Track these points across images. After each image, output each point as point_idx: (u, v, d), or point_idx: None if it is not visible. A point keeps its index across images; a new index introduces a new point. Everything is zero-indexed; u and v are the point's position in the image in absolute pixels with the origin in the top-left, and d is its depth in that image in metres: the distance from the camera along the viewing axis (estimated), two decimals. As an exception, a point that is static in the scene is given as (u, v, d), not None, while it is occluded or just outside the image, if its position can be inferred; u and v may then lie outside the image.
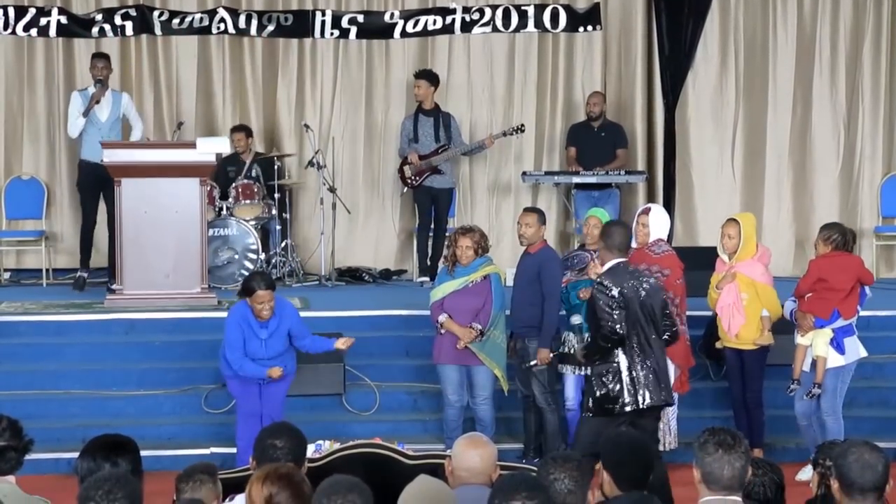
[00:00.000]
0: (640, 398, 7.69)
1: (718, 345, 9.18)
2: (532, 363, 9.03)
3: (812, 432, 8.81)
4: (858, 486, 4.66)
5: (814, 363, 8.75)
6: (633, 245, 9.19)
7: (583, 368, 9.26)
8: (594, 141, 12.93)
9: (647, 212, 9.22)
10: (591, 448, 7.17)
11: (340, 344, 8.93)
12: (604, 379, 7.73)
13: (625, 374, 7.69)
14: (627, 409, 7.67)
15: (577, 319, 8.93)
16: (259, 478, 4.32)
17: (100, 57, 12.10)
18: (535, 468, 4.99)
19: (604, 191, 12.76)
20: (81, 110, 11.69)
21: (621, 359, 7.71)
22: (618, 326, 7.66)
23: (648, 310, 7.80)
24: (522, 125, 12.89)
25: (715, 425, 4.84)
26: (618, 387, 7.69)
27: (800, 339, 8.81)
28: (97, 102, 11.66)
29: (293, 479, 4.31)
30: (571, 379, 9.29)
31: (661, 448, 8.84)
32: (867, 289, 8.96)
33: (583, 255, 9.37)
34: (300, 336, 8.77)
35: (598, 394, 7.76)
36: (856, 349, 8.84)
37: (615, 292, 7.66)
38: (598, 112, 12.94)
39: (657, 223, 9.10)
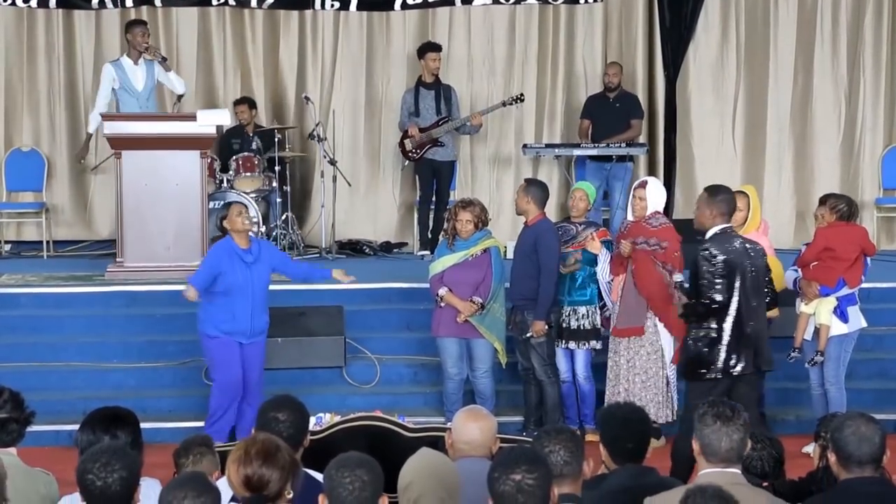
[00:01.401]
0: (731, 364, 7.54)
1: None
2: (528, 335, 9.05)
3: (823, 402, 8.81)
4: (856, 459, 4.69)
5: (816, 332, 8.77)
6: (630, 218, 9.22)
7: (566, 342, 9.27)
8: (609, 112, 12.82)
9: (643, 185, 9.20)
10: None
11: (339, 275, 8.85)
12: (698, 343, 7.57)
13: (721, 340, 7.51)
14: (717, 375, 7.51)
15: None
16: (234, 460, 4.23)
17: (140, 24, 11.63)
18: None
19: (617, 163, 12.57)
20: (115, 84, 11.21)
21: (719, 323, 7.52)
22: (717, 296, 7.45)
23: (753, 275, 7.68)
24: (522, 94, 12.85)
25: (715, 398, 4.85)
26: (710, 351, 7.52)
27: (803, 308, 8.81)
28: (168, 70, 11.37)
29: (270, 454, 4.23)
30: (562, 352, 9.31)
31: (657, 420, 8.86)
32: (868, 260, 8.98)
33: (567, 228, 9.38)
34: (286, 262, 8.75)
35: (689, 357, 7.62)
36: (858, 319, 8.87)
37: (720, 260, 7.48)
38: (616, 83, 12.85)
39: (654, 196, 9.08)
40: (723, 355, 7.51)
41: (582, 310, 9.20)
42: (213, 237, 8.80)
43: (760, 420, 7.78)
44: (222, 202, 12.02)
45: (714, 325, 7.52)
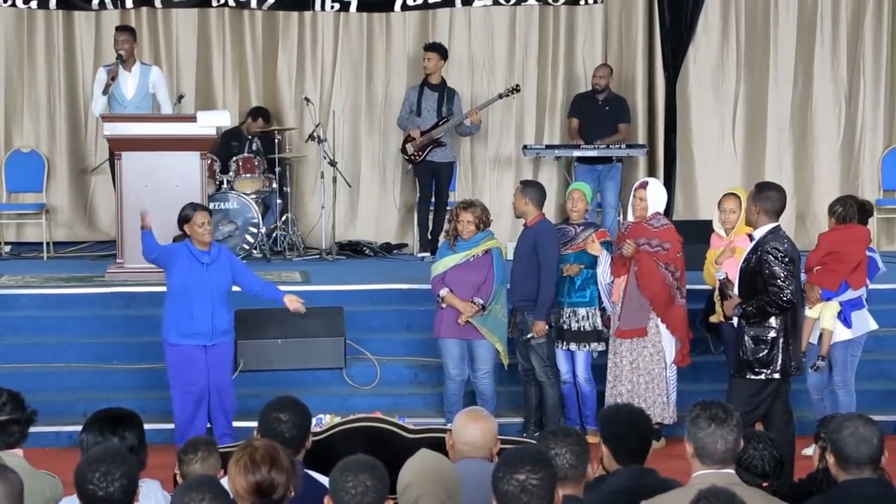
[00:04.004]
0: (792, 365, 7.58)
1: (713, 319, 9.16)
2: (528, 335, 9.05)
3: (823, 407, 8.81)
4: (854, 460, 4.70)
5: (821, 336, 8.77)
6: (631, 219, 9.22)
7: (567, 344, 9.26)
8: (597, 114, 12.86)
9: (644, 186, 9.20)
10: (744, 409, 7.12)
11: (290, 301, 8.80)
12: (760, 342, 7.53)
13: (781, 339, 7.52)
14: (777, 375, 7.53)
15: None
16: (240, 468, 4.22)
17: (121, 30, 11.63)
18: (534, 442, 5.00)
19: (606, 164, 12.70)
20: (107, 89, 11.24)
21: (779, 323, 7.52)
22: (790, 295, 7.41)
23: (799, 275, 7.70)
24: (517, 85, 12.82)
25: (711, 399, 4.84)
26: (772, 351, 7.51)
27: (807, 312, 8.79)
28: (113, 79, 11.17)
29: (274, 458, 4.23)
30: (562, 353, 9.31)
31: (661, 422, 8.87)
32: (880, 262, 8.99)
33: (566, 229, 9.38)
34: (242, 273, 8.77)
35: (749, 356, 7.55)
36: (864, 322, 8.85)
37: (789, 258, 7.44)
38: (604, 85, 12.87)
39: (654, 197, 9.09)
40: (783, 355, 7.53)
41: (582, 311, 9.20)
42: (176, 237, 8.85)
43: (789, 419, 7.79)
44: (221, 202, 12.07)
45: (774, 324, 7.52)
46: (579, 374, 9.29)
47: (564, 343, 9.26)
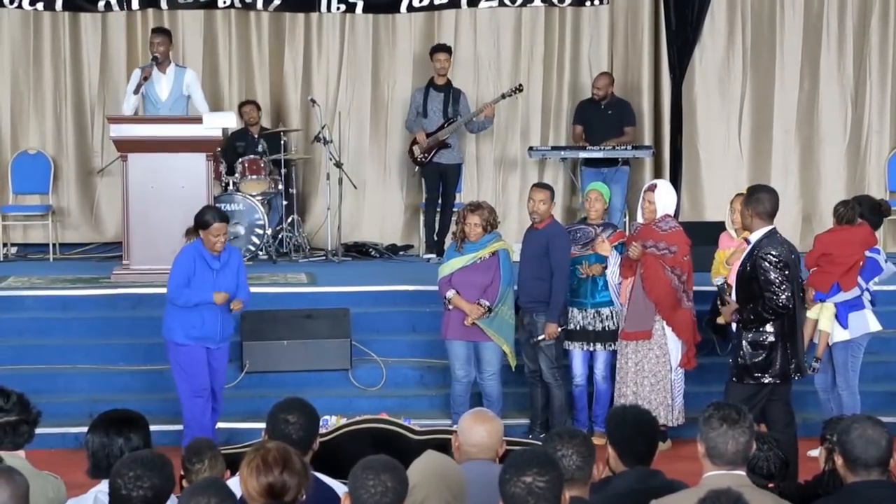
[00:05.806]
0: (790, 368, 7.57)
1: (720, 320, 9.13)
2: (540, 337, 9.04)
3: (830, 408, 8.80)
4: (862, 462, 4.70)
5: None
6: (640, 221, 9.20)
7: (590, 344, 9.27)
8: (601, 118, 12.82)
9: (653, 188, 9.19)
10: None
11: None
12: (757, 347, 7.53)
13: (779, 343, 7.52)
14: (776, 379, 7.53)
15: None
16: (252, 469, 4.22)
17: (157, 32, 11.54)
18: (539, 443, 5.00)
19: (612, 167, 12.67)
20: (142, 89, 11.14)
21: (776, 328, 7.51)
22: (786, 300, 7.40)
23: (798, 277, 7.71)
24: (520, 85, 12.82)
25: (721, 400, 4.85)
26: (770, 355, 7.51)
27: (808, 313, 8.81)
28: (146, 79, 11.08)
29: (287, 460, 4.23)
30: (578, 355, 9.30)
31: (666, 424, 8.87)
32: (883, 262, 8.96)
33: (587, 230, 9.38)
34: (242, 283, 8.77)
35: (747, 361, 7.54)
36: (864, 323, 8.82)
37: (783, 262, 7.42)
38: (602, 95, 12.83)
39: (664, 199, 9.07)
40: (781, 358, 7.52)
41: (606, 311, 9.22)
42: (188, 229, 8.81)
43: (791, 420, 7.79)
44: (227, 204, 12.06)
45: (771, 329, 7.52)
46: (598, 372, 9.29)
47: (587, 344, 9.25)
